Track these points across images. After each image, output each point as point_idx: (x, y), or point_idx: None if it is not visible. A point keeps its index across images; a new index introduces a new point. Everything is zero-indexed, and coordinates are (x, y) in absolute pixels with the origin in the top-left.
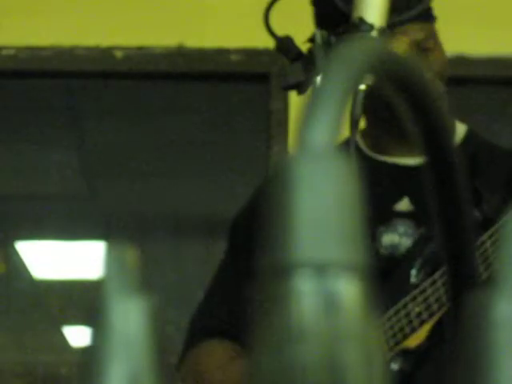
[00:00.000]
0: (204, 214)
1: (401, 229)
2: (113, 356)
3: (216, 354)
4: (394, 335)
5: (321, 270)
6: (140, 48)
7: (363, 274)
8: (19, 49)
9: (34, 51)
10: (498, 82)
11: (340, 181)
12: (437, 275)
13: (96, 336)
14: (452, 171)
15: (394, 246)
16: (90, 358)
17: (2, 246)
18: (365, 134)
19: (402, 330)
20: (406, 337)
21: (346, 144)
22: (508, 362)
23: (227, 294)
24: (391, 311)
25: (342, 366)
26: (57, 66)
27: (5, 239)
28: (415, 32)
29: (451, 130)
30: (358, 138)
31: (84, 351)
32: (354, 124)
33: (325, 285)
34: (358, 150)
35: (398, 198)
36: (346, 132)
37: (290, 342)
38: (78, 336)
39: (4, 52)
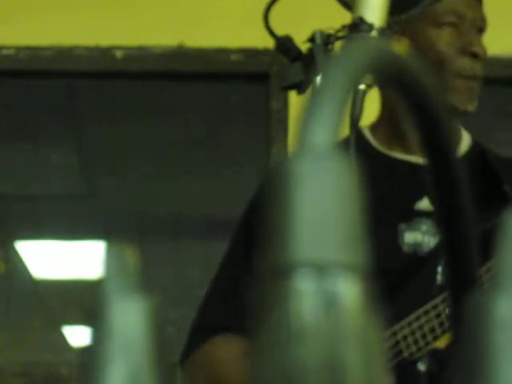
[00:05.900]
0: (204, 214)
1: (423, 227)
2: (113, 356)
3: (233, 346)
4: (424, 336)
5: (321, 269)
6: (140, 48)
7: (363, 274)
8: (19, 49)
9: (34, 51)
10: (498, 82)
11: (340, 181)
12: None
13: (96, 336)
14: (451, 170)
15: (417, 244)
16: (89, 357)
17: (2, 246)
18: (378, 131)
19: (432, 330)
20: (436, 338)
21: (347, 142)
22: (508, 363)
23: (236, 284)
24: (420, 311)
25: (342, 366)
26: (57, 66)
27: (5, 239)
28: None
29: (452, 131)
30: (369, 136)
31: (83, 351)
32: (354, 124)
33: (325, 285)
34: (371, 147)
35: (419, 197)
36: (347, 131)
37: (290, 342)
38: (77, 336)
39: (4, 52)
